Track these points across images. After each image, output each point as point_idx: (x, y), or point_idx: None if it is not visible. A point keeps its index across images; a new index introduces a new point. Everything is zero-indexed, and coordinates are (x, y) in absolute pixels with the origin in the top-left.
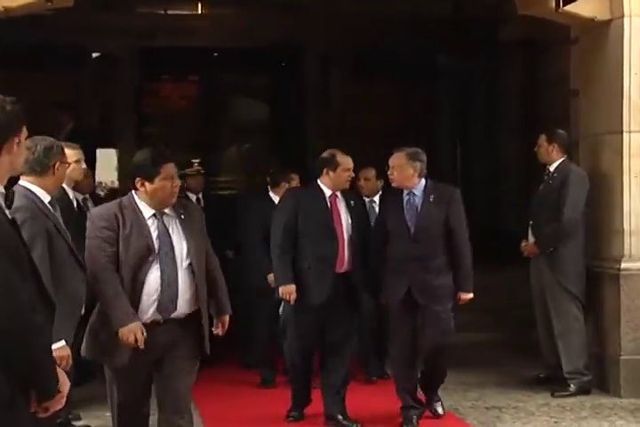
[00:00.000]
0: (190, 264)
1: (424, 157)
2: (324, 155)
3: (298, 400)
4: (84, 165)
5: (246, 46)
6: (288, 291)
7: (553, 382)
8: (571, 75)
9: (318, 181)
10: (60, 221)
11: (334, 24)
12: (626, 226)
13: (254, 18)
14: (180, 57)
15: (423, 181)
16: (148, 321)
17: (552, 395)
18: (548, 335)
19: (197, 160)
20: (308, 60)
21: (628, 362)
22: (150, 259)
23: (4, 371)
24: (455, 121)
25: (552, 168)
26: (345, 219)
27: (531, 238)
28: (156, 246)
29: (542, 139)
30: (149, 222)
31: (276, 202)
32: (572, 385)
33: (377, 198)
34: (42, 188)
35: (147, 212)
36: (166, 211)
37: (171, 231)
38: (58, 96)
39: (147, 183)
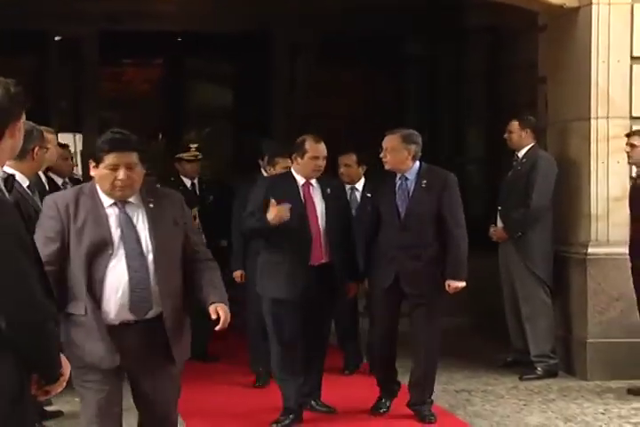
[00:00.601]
0: (156, 258)
1: (419, 140)
2: (297, 140)
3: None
4: (59, 149)
5: (212, 31)
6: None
7: (520, 365)
8: (539, 62)
9: (292, 169)
10: (40, 204)
11: (301, 10)
12: (593, 211)
13: (220, 3)
14: (144, 41)
15: (417, 164)
16: (116, 322)
17: (520, 378)
18: (515, 320)
19: (195, 145)
20: (275, 45)
21: (594, 345)
22: (109, 253)
23: (14, 360)
24: (422, 108)
25: (521, 154)
26: (320, 209)
27: (499, 224)
28: (116, 239)
29: (514, 125)
30: (109, 212)
31: None
32: (539, 368)
33: (359, 185)
34: (21, 172)
35: (106, 200)
36: (131, 199)
37: (135, 222)
38: (21, 80)
39: (94, 169)
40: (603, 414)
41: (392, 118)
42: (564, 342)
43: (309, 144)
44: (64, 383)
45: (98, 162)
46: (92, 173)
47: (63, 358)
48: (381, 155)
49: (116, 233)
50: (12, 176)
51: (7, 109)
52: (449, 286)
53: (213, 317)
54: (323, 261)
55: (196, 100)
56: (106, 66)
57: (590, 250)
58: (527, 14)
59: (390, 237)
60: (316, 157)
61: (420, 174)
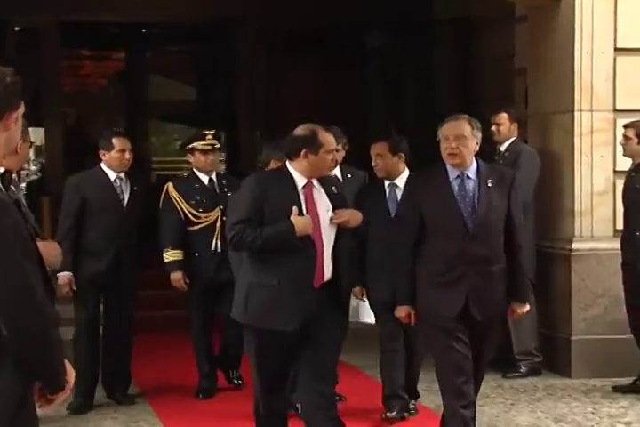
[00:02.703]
0: None
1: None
2: (301, 132)
3: None
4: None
5: (175, 22)
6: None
7: (503, 363)
8: (516, 53)
9: (288, 166)
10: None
11: (266, 0)
12: (577, 206)
13: None
14: (105, 32)
15: (475, 162)
16: None
17: (503, 376)
18: None
19: (211, 131)
20: (238, 35)
21: (578, 342)
22: None
23: (17, 368)
24: (388, 100)
25: (503, 147)
26: (323, 216)
27: None
28: None
29: (504, 117)
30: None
31: None
32: (522, 367)
33: (400, 181)
34: (7, 167)
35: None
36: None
37: None
38: None
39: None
40: (592, 413)
41: (356, 109)
42: (548, 340)
43: (323, 136)
44: (69, 391)
45: None
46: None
47: (68, 365)
48: (452, 145)
49: None
50: (10, 172)
51: (1, 100)
52: (515, 311)
53: None
54: (327, 279)
55: (160, 91)
56: (66, 58)
57: (574, 246)
58: (500, 5)
59: (452, 250)
60: (332, 151)
61: (480, 172)
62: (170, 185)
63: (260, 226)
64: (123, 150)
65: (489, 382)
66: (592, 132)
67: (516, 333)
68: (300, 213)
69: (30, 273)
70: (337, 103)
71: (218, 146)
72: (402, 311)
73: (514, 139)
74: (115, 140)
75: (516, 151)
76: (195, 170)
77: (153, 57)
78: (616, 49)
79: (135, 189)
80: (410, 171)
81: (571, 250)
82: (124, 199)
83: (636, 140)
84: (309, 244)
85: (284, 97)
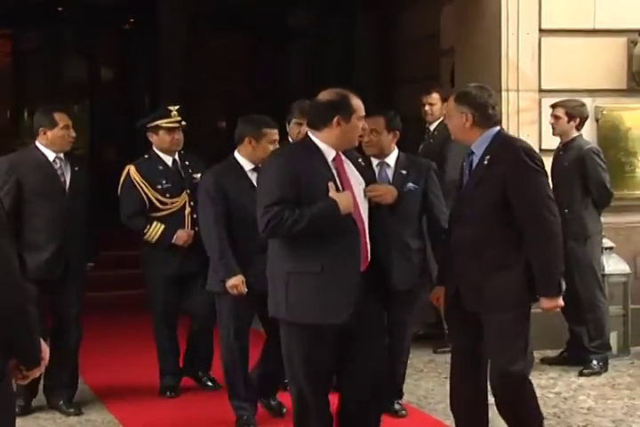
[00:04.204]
0: None
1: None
2: (329, 96)
3: None
4: None
5: (95, 1)
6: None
7: (432, 338)
8: (441, 34)
9: (313, 138)
10: None
11: None
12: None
13: None
14: (20, 10)
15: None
16: None
17: (434, 351)
18: (427, 293)
19: (176, 107)
20: (162, 16)
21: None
22: None
23: None
24: (312, 81)
25: (432, 127)
26: (358, 191)
27: None
28: None
29: (436, 97)
30: None
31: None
32: None
33: (391, 160)
34: None
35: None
36: None
37: None
38: None
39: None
40: None
41: (276, 91)
42: None
43: (354, 100)
44: (43, 368)
45: None
46: None
47: (43, 343)
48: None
49: None
50: None
51: None
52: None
53: None
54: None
55: (77, 71)
56: None
57: None
58: None
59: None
60: (362, 118)
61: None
62: (131, 168)
63: (297, 206)
64: (67, 126)
65: (421, 357)
66: (519, 111)
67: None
68: (337, 190)
69: (7, 250)
70: (260, 85)
71: (184, 123)
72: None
73: (442, 118)
74: (57, 116)
75: (445, 131)
76: (156, 150)
77: (71, 35)
78: (541, 30)
79: (77, 169)
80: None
81: None
82: (65, 182)
83: (565, 119)
84: (351, 223)
85: (207, 81)
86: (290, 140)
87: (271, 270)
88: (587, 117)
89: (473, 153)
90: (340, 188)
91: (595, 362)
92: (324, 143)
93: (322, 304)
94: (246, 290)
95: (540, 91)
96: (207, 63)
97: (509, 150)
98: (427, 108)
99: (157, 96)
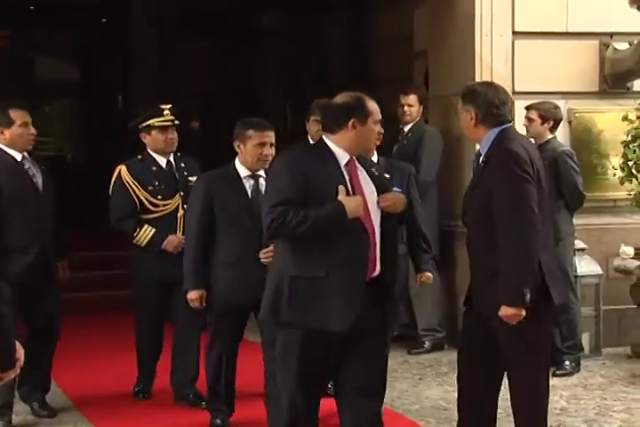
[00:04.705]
0: None
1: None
2: (345, 99)
3: None
4: None
5: (64, 1)
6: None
7: (407, 339)
8: (414, 35)
9: (327, 141)
10: None
11: None
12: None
13: None
14: None
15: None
16: None
17: (408, 352)
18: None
19: (168, 106)
20: (132, 17)
21: None
22: None
23: None
24: (284, 82)
25: (407, 128)
26: (370, 198)
27: None
28: None
29: (414, 99)
30: None
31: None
32: (426, 342)
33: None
34: None
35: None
36: None
37: None
38: None
39: None
40: None
41: (249, 91)
42: (451, 315)
43: (370, 104)
44: (18, 369)
45: None
46: None
47: (17, 344)
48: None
49: None
50: None
51: None
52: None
53: None
54: (376, 273)
55: (45, 72)
56: None
57: None
58: None
59: None
60: (379, 122)
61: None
62: (122, 168)
63: (303, 208)
64: (25, 124)
65: (395, 358)
66: None
67: (419, 310)
68: (347, 193)
69: None
70: (233, 86)
71: (177, 122)
72: None
73: (417, 120)
74: (13, 114)
75: (419, 132)
76: (150, 151)
77: (40, 35)
78: (514, 32)
79: (43, 168)
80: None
81: None
82: (37, 182)
83: (539, 121)
84: (360, 228)
85: (178, 82)
86: (309, 138)
87: (274, 273)
88: (560, 120)
89: (480, 153)
90: (351, 192)
91: (567, 363)
92: (339, 147)
93: (324, 310)
94: (204, 305)
95: (514, 93)
96: (179, 64)
97: (499, 154)
98: (405, 108)
99: (130, 97)
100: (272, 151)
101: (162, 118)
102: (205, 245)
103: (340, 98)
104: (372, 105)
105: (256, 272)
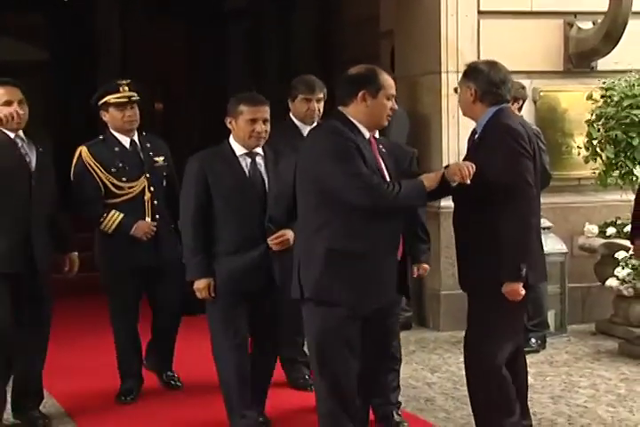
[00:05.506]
0: None
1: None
2: (357, 70)
3: None
4: None
5: None
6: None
7: None
8: (381, 16)
9: (346, 114)
10: None
11: None
12: (444, 165)
13: None
14: None
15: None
16: None
17: None
18: None
19: (126, 82)
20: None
21: (447, 297)
22: None
23: None
24: (250, 63)
25: None
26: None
27: None
28: None
29: None
30: None
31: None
32: None
33: None
34: None
35: None
36: None
37: None
38: None
39: None
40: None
41: (214, 73)
42: (418, 295)
43: (383, 77)
44: None
45: None
46: None
47: None
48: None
49: None
50: None
51: None
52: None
53: None
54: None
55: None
56: None
57: (442, 203)
58: None
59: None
60: (391, 97)
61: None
62: (83, 149)
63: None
64: (9, 102)
65: None
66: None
67: None
68: (378, 169)
69: None
70: (193, 68)
71: (136, 98)
72: None
73: None
74: None
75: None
76: (112, 130)
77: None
78: (479, 12)
79: (41, 150)
80: None
81: (439, 207)
82: (31, 163)
83: None
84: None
85: (142, 65)
86: (293, 118)
87: (304, 249)
88: (526, 99)
89: (476, 131)
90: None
91: (533, 340)
92: (356, 120)
93: (363, 289)
94: (213, 295)
95: None
96: (144, 48)
97: (497, 130)
98: None
99: (95, 79)
100: (266, 127)
101: (119, 95)
102: (204, 233)
103: (354, 69)
104: (386, 78)
105: (260, 257)
